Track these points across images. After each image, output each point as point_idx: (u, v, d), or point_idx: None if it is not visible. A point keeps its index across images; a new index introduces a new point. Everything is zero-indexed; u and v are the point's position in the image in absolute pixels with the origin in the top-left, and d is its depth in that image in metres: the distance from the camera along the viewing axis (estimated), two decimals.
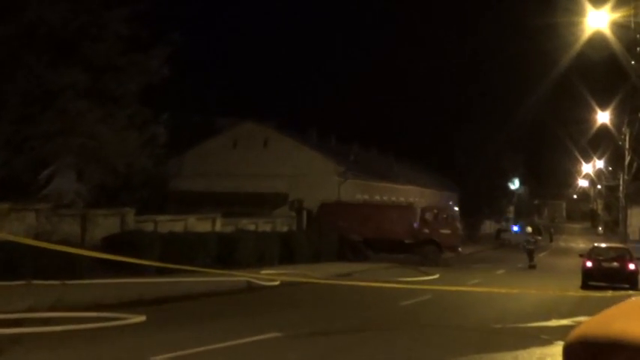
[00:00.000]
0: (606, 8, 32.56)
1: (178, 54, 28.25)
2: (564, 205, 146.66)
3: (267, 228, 36.40)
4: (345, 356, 12.21)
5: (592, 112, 60.78)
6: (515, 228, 78.33)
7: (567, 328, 16.61)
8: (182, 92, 47.35)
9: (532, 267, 39.00)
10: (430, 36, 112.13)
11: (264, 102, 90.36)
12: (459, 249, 42.38)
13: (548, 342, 14.47)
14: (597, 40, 36.07)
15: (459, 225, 44.07)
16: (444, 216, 41.58)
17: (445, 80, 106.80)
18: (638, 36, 32.77)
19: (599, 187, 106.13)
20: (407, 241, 39.56)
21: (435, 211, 42.17)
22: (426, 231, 40.04)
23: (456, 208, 51.47)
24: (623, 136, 57.29)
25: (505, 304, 21.07)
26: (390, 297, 21.87)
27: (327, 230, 38.35)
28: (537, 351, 13.36)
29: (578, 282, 28.34)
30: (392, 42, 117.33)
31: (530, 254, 40.14)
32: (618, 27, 33.86)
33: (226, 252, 29.39)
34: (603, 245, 32.21)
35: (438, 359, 12.02)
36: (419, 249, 39.56)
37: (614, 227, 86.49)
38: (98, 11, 24.62)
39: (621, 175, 63.29)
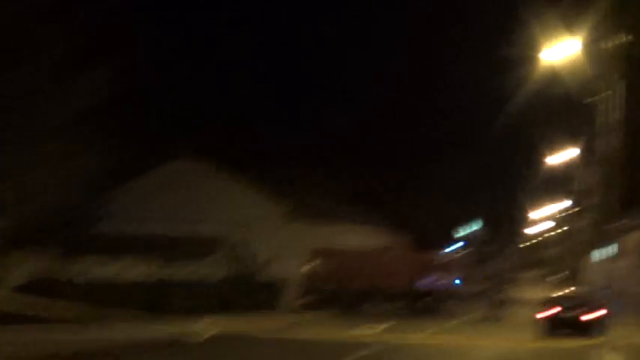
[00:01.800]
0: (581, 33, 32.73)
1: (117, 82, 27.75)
2: (522, 250, 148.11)
3: (201, 274, 35.82)
4: None
5: (555, 152, 61.72)
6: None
7: None
8: (115, 125, 46.67)
9: (489, 317, 39.09)
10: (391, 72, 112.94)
11: (201, 140, 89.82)
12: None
13: None
14: (555, 77, 36.63)
15: (463, 271, 44.44)
16: (449, 262, 41.78)
17: (397, 116, 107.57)
18: (603, 70, 33.32)
19: (557, 231, 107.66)
20: (405, 291, 39.59)
21: (438, 257, 42.31)
22: (428, 279, 40.36)
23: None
24: (583, 178, 58.37)
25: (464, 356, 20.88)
26: (335, 350, 21.44)
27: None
28: None
29: (536, 333, 28.29)
30: (340, 77, 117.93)
31: (492, 303, 40.24)
32: (580, 61, 34.39)
33: (157, 299, 28.86)
34: (563, 293, 32.39)
35: None
36: (420, 298, 39.60)
37: (573, 274, 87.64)
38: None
39: (581, 220, 64.31)
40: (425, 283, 39.81)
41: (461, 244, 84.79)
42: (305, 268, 41.02)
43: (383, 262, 40.54)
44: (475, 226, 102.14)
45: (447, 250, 46.56)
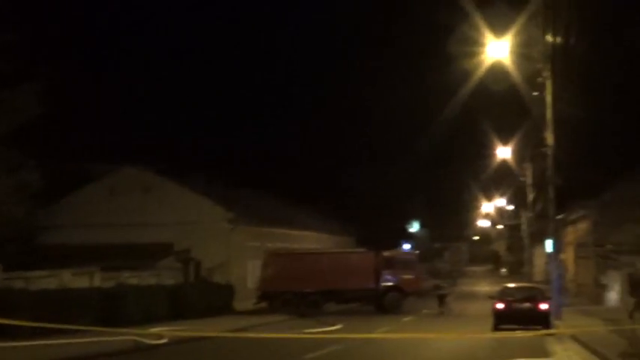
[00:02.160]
0: (506, 38, 33.65)
1: (52, 93, 27.45)
2: (466, 247, 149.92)
3: (152, 281, 35.49)
4: None
5: (494, 147, 62.58)
6: None
7: None
8: (54, 136, 46.05)
9: (441, 313, 39.57)
10: (322, 77, 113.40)
11: (143, 147, 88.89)
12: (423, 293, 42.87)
13: None
14: (498, 71, 37.21)
15: (420, 268, 44.88)
16: (406, 261, 42.10)
17: (338, 122, 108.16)
18: (539, 66, 33.84)
19: (499, 227, 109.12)
20: (368, 289, 39.82)
21: (396, 256, 42.60)
22: (388, 277, 40.23)
23: (417, 252, 52.12)
24: (525, 172, 59.21)
25: (419, 353, 21.02)
26: (294, 350, 21.51)
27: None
28: None
29: (489, 325, 28.68)
30: (280, 84, 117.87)
31: (442, 299, 40.88)
32: (519, 57, 34.99)
33: (108, 309, 28.44)
34: (514, 285, 32.79)
35: None
36: (382, 296, 39.88)
37: (518, 268, 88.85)
38: None
39: (524, 214, 65.11)
40: (384, 281, 40.15)
41: (410, 243, 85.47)
42: (262, 271, 40.94)
43: (341, 263, 40.73)
44: (419, 226, 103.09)
45: (399, 248, 46.89)
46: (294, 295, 39.34)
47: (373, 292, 40.14)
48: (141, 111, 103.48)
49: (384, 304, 39.97)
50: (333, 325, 30.76)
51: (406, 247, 75.89)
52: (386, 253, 42.24)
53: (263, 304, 40.05)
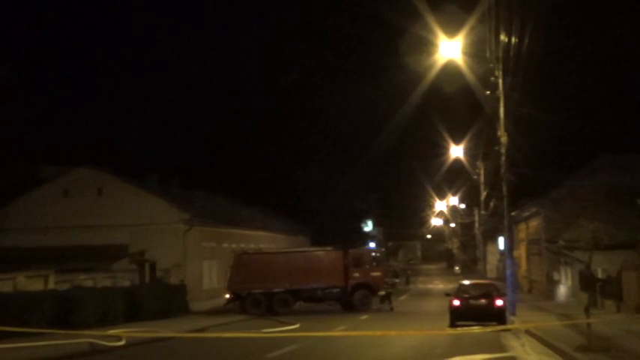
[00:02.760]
0: (458, 38, 33.93)
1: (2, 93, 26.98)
2: (419, 245, 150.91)
3: (108, 283, 35.13)
4: None
5: (447, 146, 63.08)
6: None
7: None
8: (3, 137, 45.35)
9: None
10: (275, 78, 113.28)
11: (96, 148, 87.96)
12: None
13: None
14: (451, 70, 37.51)
15: (387, 266, 45.17)
16: (373, 258, 42.27)
17: (290, 122, 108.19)
18: (491, 65, 34.17)
19: (453, 225, 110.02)
20: (338, 287, 40.04)
21: (364, 253, 42.76)
22: (357, 275, 40.28)
23: (383, 249, 52.37)
24: (478, 170, 59.78)
25: (378, 351, 21.05)
26: (255, 350, 21.48)
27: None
28: None
29: (445, 323, 28.89)
30: (233, 85, 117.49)
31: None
32: (471, 57, 35.32)
33: (63, 312, 28.09)
34: (470, 282, 33.09)
35: None
36: (351, 294, 40.12)
37: (471, 266, 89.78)
38: None
39: (477, 212, 65.70)
40: (353, 279, 40.34)
41: (367, 242, 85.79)
42: (230, 272, 40.84)
43: (310, 262, 40.82)
44: (373, 225, 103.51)
45: (365, 247, 47.17)
46: (264, 294, 39.36)
47: (342, 291, 40.31)
48: (93, 112, 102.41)
49: (353, 302, 40.17)
50: (292, 324, 30.73)
51: (371, 245, 76.36)
52: (353, 252, 42.56)
53: (231, 305, 40.05)
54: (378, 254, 43.93)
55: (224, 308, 40.19)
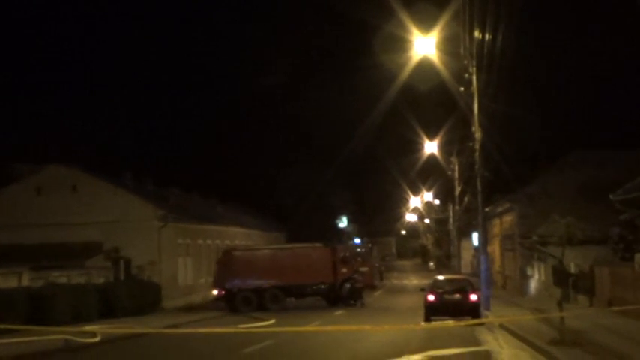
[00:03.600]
0: (433, 35, 34.09)
1: None
2: (394, 242, 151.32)
3: (82, 280, 34.96)
4: None
5: (421, 142, 63.31)
6: None
7: None
8: None
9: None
10: (250, 77, 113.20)
11: (69, 145, 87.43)
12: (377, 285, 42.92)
13: None
14: (425, 67, 37.67)
15: (374, 261, 45.44)
16: (360, 254, 42.51)
17: (269, 121, 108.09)
18: (465, 62, 34.36)
19: (427, 221, 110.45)
20: (327, 283, 40.24)
21: (351, 249, 42.98)
22: (345, 270, 40.46)
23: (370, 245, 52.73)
24: (452, 166, 60.02)
25: (353, 345, 21.16)
26: (231, 345, 21.49)
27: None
28: None
29: (420, 317, 29.06)
30: (209, 85, 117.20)
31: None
32: (446, 53, 35.49)
33: (37, 309, 27.94)
34: (444, 277, 33.27)
35: None
36: (339, 289, 40.32)
37: (446, 261, 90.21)
38: None
39: (451, 207, 65.99)
40: (341, 275, 40.53)
41: (341, 238, 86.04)
42: (218, 269, 40.87)
43: (299, 258, 40.90)
44: (348, 221, 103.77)
45: (347, 244, 47.41)
46: (254, 291, 39.37)
47: (331, 286, 40.46)
48: (65, 109, 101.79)
49: (341, 297, 40.31)
50: (267, 320, 30.79)
51: (357, 241, 76.95)
52: (341, 248, 42.84)
53: (204, 300, 40.11)
54: (364, 250, 44.20)
55: (211, 304, 40.17)
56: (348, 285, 40.65)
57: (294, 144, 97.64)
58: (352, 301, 40.49)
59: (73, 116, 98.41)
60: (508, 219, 50.77)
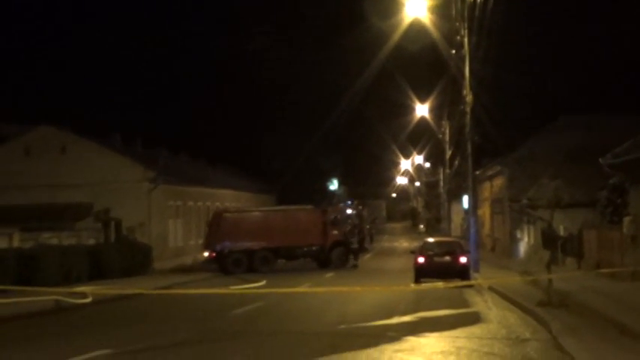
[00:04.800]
0: None
1: None
2: (384, 204, 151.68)
3: (72, 242, 35.09)
4: None
5: (412, 105, 63.34)
6: None
7: (411, 325, 17.17)
8: None
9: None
10: (242, 40, 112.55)
11: (57, 106, 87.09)
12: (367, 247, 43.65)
13: (396, 338, 14.81)
14: (416, 30, 37.63)
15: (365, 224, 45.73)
16: (351, 216, 42.78)
17: (257, 82, 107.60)
18: (457, 24, 34.33)
19: (417, 184, 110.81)
20: (317, 245, 40.56)
21: (342, 212, 43.10)
22: (335, 233, 40.73)
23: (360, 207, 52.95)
24: (443, 130, 60.15)
25: (343, 307, 21.38)
26: (221, 306, 21.72)
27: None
28: (389, 347, 13.64)
29: (409, 280, 29.35)
30: (204, 47, 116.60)
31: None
32: (437, 16, 35.45)
33: (28, 270, 28.05)
34: (434, 240, 33.52)
35: None
36: (329, 252, 40.67)
37: (436, 225, 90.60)
38: None
39: (442, 171, 66.19)
40: (330, 237, 40.75)
41: (332, 200, 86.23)
42: (209, 230, 41.06)
43: (290, 220, 41.08)
44: (338, 184, 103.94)
45: (338, 206, 47.56)
46: (245, 253, 39.56)
47: (321, 248, 40.76)
48: (55, 70, 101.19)
49: (331, 259, 40.62)
50: (257, 281, 31.03)
51: (348, 202, 77.37)
52: (332, 210, 42.97)
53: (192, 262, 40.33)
54: (354, 212, 44.50)
55: (201, 266, 40.40)
56: (339, 248, 40.91)
57: (284, 106, 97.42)
58: (355, 263, 40.92)
59: (61, 77, 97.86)
60: (498, 182, 51.02)
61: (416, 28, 37.09)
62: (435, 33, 35.95)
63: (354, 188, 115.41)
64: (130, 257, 36.50)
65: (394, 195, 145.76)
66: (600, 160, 30.01)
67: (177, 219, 47.92)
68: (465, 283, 26.28)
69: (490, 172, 51.86)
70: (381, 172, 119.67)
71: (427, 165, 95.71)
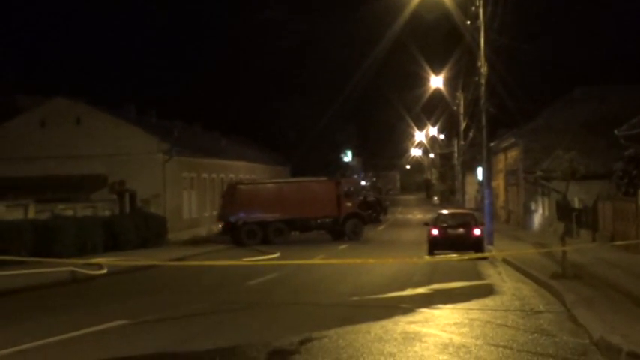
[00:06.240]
0: None
1: None
2: (398, 176, 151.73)
3: (88, 213, 35.25)
4: (203, 341, 11.99)
5: (427, 76, 63.09)
6: None
7: (425, 296, 17.22)
8: None
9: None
10: (257, 10, 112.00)
11: (72, 78, 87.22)
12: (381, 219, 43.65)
13: (410, 310, 14.87)
14: (431, 0, 37.40)
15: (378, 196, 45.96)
16: (364, 188, 42.94)
17: (272, 53, 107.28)
18: None
19: (432, 155, 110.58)
20: (331, 217, 40.71)
21: (356, 184, 43.24)
22: (349, 204, 40.96)
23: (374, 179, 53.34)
24: (457, 101, 59.90)
25: (357, 279, 21.48)
26: (236, 277, 21.85)
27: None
28: (402, 319, 13.69)
29: (423, 252, 29.39)
30: (216, 14, 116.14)
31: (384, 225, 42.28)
32: None
33: (43, 241, 28.30)
34: (448, 212, 33.51)
35: (303, 336, 11.97)
36: (343, 224, 40.84)
37: (450, 197, 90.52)
38: None
39: (456, 142, 65.99)
40: (343, 209, 40.90)
41: (347, 172, 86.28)
42: (223, 202, 41.28)
43: (304, 192, 41.20)
44: (351, 156, 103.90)
45: (351, 178, 47.64)
46: (259, 224, 39.74)
47: (335, 220, 40.86)
48: (69, 42, 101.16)
49: (345, 232, 40.75)
50: (272, 253, 31.16)
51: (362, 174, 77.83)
52: (345, 182, 43.09)
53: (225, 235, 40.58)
54: (367, 183, 44.60)
55: (215, 237, 40.62)
56: (353, 220, 41.03)
57: (298, 77, 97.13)
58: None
59: (75, 48, 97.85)
60: (513, 154, 50.87)
61: None
62: (450, 3, 35.70)
63: (369, 160, 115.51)
64: (144, 229, 36.71)
65: (408, 167, 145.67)
66: (616, 131, 29.88)
67: (191, 191, 48.06)
68: (478, 255, 26.30)
69: (505, 144, 51.71)
70: (395, 143, 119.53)
71: (441, 137, 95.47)
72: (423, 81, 65.80)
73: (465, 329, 12.55)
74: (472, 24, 34.56)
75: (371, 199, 57.75)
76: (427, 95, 69.16)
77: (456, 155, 75.64)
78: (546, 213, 42.68)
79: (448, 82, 61.32)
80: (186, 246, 37.70)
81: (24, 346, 11.43)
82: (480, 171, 44.45)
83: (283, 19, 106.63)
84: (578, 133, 40.62)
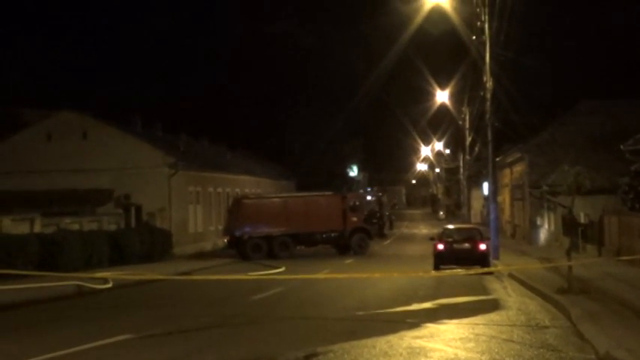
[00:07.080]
0: None
1: None
2: (404, 190, 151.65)
3: (93, 227, 35.32)
4: (207, 356, 11.99)
5: (432, 91, 63.20)
6: None
7: (431, 311, 17.21)
8: None
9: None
10: (264, 23, 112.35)
11: (78, 91, 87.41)
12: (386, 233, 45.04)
13: (415, 325, 14.85)
14: (437, 15, 37.50)
15: (384, 210, 46.16)
16: (370, 203, 43.02)
17: (278, 66, 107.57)
18: (478, 10, 34.15)
19: (437, 170, 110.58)
20: (337, 231, 40.77)
21: (362, 198, 43.31)
22: (355, 219, 40.89)
23: (380, 194, 53.24)
24: (463, 116, 59.95)
25: (362, 293, 21.47)
26: (241, 292, 21.85)
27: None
28: (408, 334, 13.68)
29: (429, 266, 29.32)
30: (222, 27, 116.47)
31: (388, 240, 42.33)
32: (457, 1, 35.30)
33: (49, 255, 28.34)
34: (454, 227, 33.46)
35: (309, 351, 11.98)
36: (349, 238, 40.85)
37: (456, 211, 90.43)
38: None
39: (462, 157, 65.97)
40: (349, 224, 40.92)
41: (353, 187, 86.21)
42: (229, 216, 41.32)
43: (310, 206, 41.20)
44: (358, 170, 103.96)
45: (357, 192, 47.69)
46: (264, 239, 39.75)
47: (341, 234, 40.88)
48: (74, 55, 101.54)
49: (351, 246, 40.78)
50: (277, 267, 31.14)
51: (368, 189, 78.04)
52: (351, 196, 43.12)
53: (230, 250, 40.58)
54: (374, 198, 44.63)
55: (221, 252, 40.61)
56: (359, 234, 41.05)
57: (304, 91, 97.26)
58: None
59: (82, 62, 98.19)
60: (518, 168, 50.85)
61: (437, 13, 37.03)
62: (455, 18, 35.82)
63: (374, 174, 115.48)
64: (150, 242, 36.75)
65: (414, 181, 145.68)
66: (622, 146, 29.89)
67: (197, 205, 48.09)
68: (484, 269, 26.26)
69: (511, 159, 51.71)
70: (401, 158, 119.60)
71: (447, 151, 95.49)
72: (429, 95, 66.01)
73: (471, 344, 12.53)
74: (478, 39, 34.65)
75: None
76: (433, 110, 69.32)
77: (461, 170, 75.65)
78: (552, 227, 42.61)
79: (454, 96, 61.44)
80: (192, 260, 37.72)
81: None
82: (485, 185, 44.51)
83: (291, 32, 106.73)
84: (584, 148, 40.62)
